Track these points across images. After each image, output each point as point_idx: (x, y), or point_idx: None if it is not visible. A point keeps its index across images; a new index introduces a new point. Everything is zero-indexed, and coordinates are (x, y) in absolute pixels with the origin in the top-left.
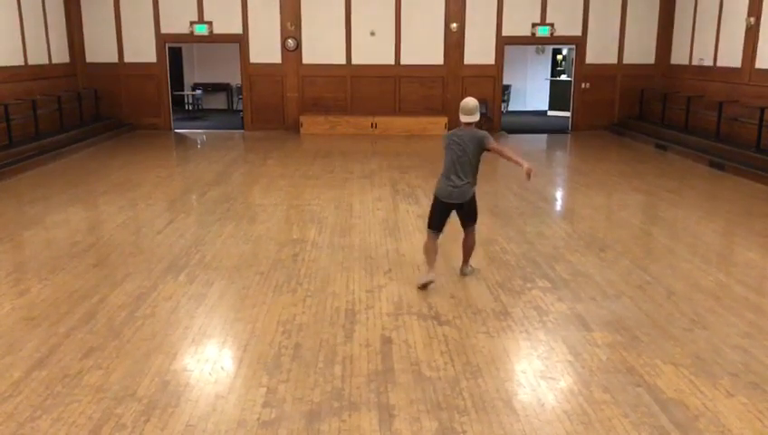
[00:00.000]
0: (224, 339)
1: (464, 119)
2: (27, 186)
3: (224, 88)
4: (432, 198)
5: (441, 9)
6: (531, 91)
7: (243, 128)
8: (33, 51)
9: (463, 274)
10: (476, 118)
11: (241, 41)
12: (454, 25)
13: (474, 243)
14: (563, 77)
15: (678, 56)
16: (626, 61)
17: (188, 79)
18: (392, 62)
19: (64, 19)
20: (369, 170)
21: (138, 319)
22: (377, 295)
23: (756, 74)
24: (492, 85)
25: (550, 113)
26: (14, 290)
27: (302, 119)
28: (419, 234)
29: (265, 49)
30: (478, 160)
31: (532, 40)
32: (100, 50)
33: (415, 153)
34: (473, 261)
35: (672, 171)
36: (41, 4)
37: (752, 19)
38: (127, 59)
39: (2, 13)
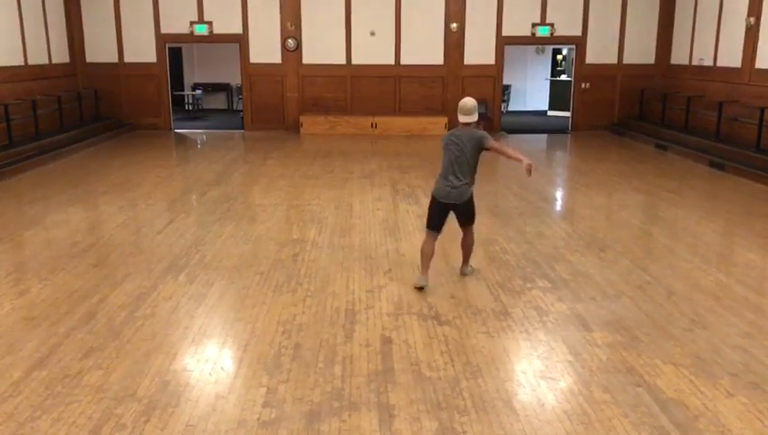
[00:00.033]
0: (224, 339)
1: (462, 119)
2: (27, 186)
3: (224, 88)
4: (430, 197)
5: (441, 9)
6: (531, 91)
7: (243, 128)
8: (33, 51)
9: (463, 274)
10: (474, 118)
11: (241, 41)
12: (454, 25)
13: (472, 242)
14: (563, 77)
15: (678, 56)
16: (626, 61)
17: (188, 79)
18: (392, 62)
19: (64, 19)
20: (369, 170)
21: (138, 319)
22: (377, 295)
23: (756, 74)
24: (492, 85)
25: (550, 113)
26: (14, 290)
27: (302, 119)
28: (419, 234)
29: (265, 49)
30: (476, 161)
31: (532, 40)
32: (100, 50)
33: (415, 153)
34: (473, 261)
35: (672, 171)
36: (41, 4)
37: (752, 19)
38: (127, 59)
39: (2, 13)
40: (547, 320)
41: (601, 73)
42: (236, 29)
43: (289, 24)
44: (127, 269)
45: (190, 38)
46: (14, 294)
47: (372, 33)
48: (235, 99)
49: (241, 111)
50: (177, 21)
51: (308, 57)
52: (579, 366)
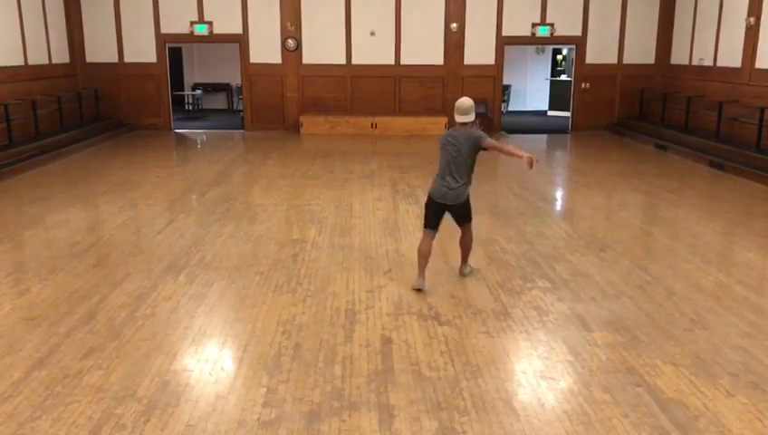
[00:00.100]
0: (224, 339)
1: (458, 119)
2: (27, 186)
3: (224, 88)
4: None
5: (441, 9)
6: (531, 91)
7: (243, 128)
8: (33, 51)
9: (462, 274)
10: (471, 118)
11: (241, 41)
12: (454, 25)
13: (471, 240)
14: (563, 77)
15: (678, 56)
16: (626, 61)
17: (188, 79)
18: (392, 62)
19: (64, 19)
20: (369, 170)
21: (138, 319)
22: (377, 295)
23: (756, 74)
24: (492, 85)
25: (550, 113)
26: (14, 290)
27: (302, 119)
28: (419, 234)
29: (265, 49)
30: (473, 161)
31: (532, 40)
32: (100, 50)
33: (415, 153)
34: (473, 261)
35: (672, 171)
36: (41, 4)
37: (752, 19)
38: (127, 59)
39: (2, 13)
40: (547, 320)
41: (601, 73)
42: (236, 29)
43: (289, 24)
44: (127, 269)
45: (190, 38)
46: (14, 294)
47: (372, 34)
48: (235, 99)
49: (241, 111)
50: (177, 21)
51: (308, 57)
52: (579, 366)
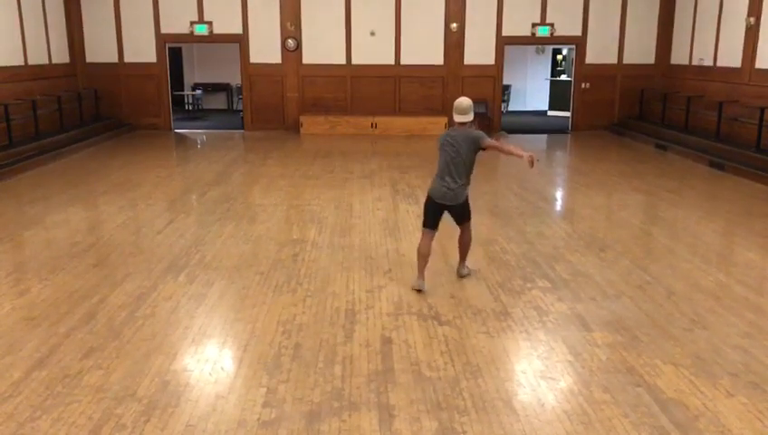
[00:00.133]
0: (224, 339)
1: (457, 118)
2: (27, 186)
3: (224, 88)
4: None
5: (441, 9)
6: (531, 91)
7: (243, 128)
8: (33, 51)
9: (460, 275)
10: (470, 117)
11: (241, 41)
12: (454, 25)
13: (470, 240)
14: (563, 77)
15: (678, 56)
16: (626, 61)
17: (188, 79)
18: (392, 62)
19: (64, 19)
20: (369, 170)
21: (138, 319)
22: (377, 295)
23: (756, 74)
24: (492, 85)
25: (550, 113)
26: (14, 290)
27: (302, 119)
28: (419, 234)
29: (265, 49)
30: (472, 161)
31: (532, 40)
32: (100, 50)
33: (415, 153)
34: (473, 261)
35: (672, 171)
36: (41, 4)
37: (752, 19)
38: (127, 59)
39: (2, 13)
40: (547, 320)
41: (601, 73)
42: (236, 29)
43: (289, 24)
44: (127, 269)
45: (190, 38)
46: (14, 294)
47: (372, 34)
48: (235, 99)
49: (241, 111)
50: (177, 21)
51: (308, 57)
52: (579, 366)
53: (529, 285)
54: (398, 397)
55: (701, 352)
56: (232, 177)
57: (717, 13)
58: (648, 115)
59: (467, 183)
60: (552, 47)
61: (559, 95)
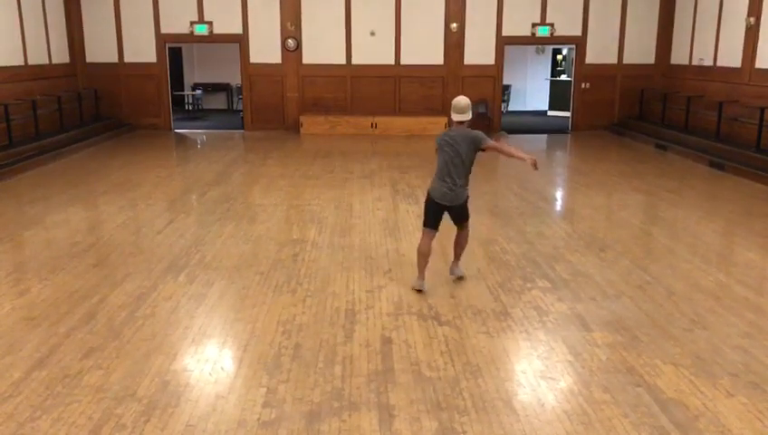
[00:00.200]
0: (224, 339)
1: (455, 117)
2: (27, 186)
3: (224, 88)
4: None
5: (441, 9)
6: (531, 91)
7: (243, 128)
8: (33, 51)
9: (452, 274)
10: (468, 116)
11: (241, 41)
12: (454, 25)
13: (467, 239)
14: (563, 77)
15: (678, 56)
16: (626, 61)
17: (188, 79)
18: (392, 62)
19: (64, 19)
20: (369, 170)
21: (138, 319)
22: (377, 295)
23: (756, 74)
24: (492, 85)
25: (550, 113)
26: (14, 290)
27: (302, 119)
28: (419, 234)
29: (265, 49)
30: (472, 161)
31: (532, 40)
32: (100, 50)
33: (415, 153)
34: (473, 261)
35: (672, 171)
36: (41, 4)
37: (752, 19)
38: (127, 59)
39: (2, 13)
40: (547, 320)
41: (601, 73)
42: (236, 29)
43: (289, 24)
44: (127, 269)
45: (190, 38)
46: (14, 294)
47: (372, 34)
48: (235, 99)
49: (241, 111)
50: (177, 21)
51: (308, 57)
52: (579, 366)
53: (529, 285)
54: (398, 397)
55: (701, 352)
56: (232, 177)
57: (717, 13)
58: (647, 115)
59: (467, 183)
60: (552, 47)
61: (559, 95)
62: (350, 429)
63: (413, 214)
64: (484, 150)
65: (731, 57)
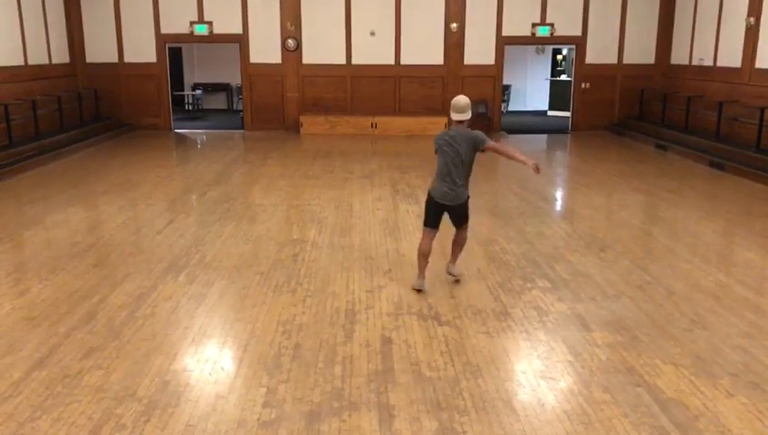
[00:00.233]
0: (224, 339)
1: (455, 117)
2: (27, 186)
3: (224, 88)
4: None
5: (441, 9)
6: (531, 91)
7: (243, 128)
8: (33, 51)
9: (448, 272)
10: (468, 116)
11: (241, 41)
12: (454, 25)
13: (465, 241)
14: (563, 77)
15: (678, 56)
16: (626, 61)
17: (188, 79)
18: (392, 62)
19: (64, 19)
20: (369, 170)
21: (138, 319)
22: (377, 295)
23: (756, 74)
24: (492, 85)
25: (550, 113)
26: (14, 290)
27: (302, 119)
28: (419, 234)
29: (265, 49)
30: (472, 161)
31: (532, 40)
32: (100, 50)
33: (415, 153)
34: (473, 261)
35: (672, 171)
36: (41, 4)
37: (752, 19)
38: (127, 59)
39: (2, 13)
40: (547, 320)
41: (601, 73)
42: (236, 29)
43: (289, 24)
44: (127, 269)
45: (190, 38)
46: (14, 294)
47: (372, 34)
48: (235, 99)
49: (241, 111)
50: (177, 21)
51: (308, 57)
52: (579, 366)
53: (529, 285)
54: (398, 397)
55: (701, 352)
56: (232, 177)
57: (717, 13)
58: (647, 115)
59: (467, 184)
60: (552, 47)
61: (559, 95)
62: (350, 429)
63: (413, 214)
64: (483, 151)
65: (731, 57)
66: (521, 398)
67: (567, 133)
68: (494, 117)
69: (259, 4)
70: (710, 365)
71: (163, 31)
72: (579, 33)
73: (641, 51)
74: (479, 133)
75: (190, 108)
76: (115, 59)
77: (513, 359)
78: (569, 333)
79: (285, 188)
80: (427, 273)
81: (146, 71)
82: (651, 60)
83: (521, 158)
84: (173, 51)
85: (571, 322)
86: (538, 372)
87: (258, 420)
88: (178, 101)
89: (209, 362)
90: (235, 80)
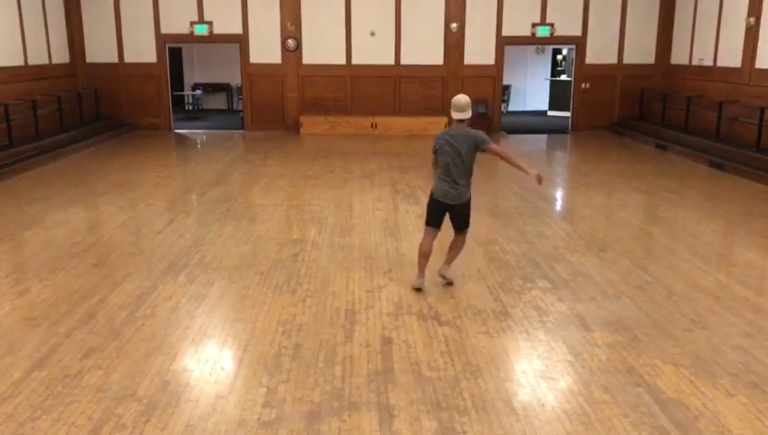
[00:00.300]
0: (224, 339)
1: (455, 115)
2: (27, 186)
3: (224, 88)
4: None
5: (441, 9)
6: (531, 91)
7: (243, 128)
8: (33, 51)
9: (441, 274)
10: (468, 114)
11: (241, 41)
12: (454, 25)
13: (463, 245)
14: (563, 77)
15: (678, 56)
16: (626, 61)
17: (188, 79)
18: (392, 62)
19: (64, 19)
20: (369, 170)
21: (138, 319)
22: (377, 295)
23: (756, 74)
24: (492, 85)
25: (550, 113)
26: (14, 290)
27: (302, 119)
28: (419, 234)
29: (265, 49)
30: (473, 161)
31: (532, 40)
32: (100, 50)
33: (415, 153)
34: (473, 261)
35: (672, 171)
36: (41, 4)
37: (752, 19)
38: (127, 59)
39: (2, 13)
40: (547, 320)
41: (601, 73)
42: (236, 29)
43: (289, 24)
44: (127, 269)
45: (190, 38)
46: (14, 294)
47: (372, 34)
48: (235, 99)
49: (241, 111)
50: (177, 21)
51: (308, 57)
52: (579, 366)
53: (529, 285)
54: (398, 397)
55: (701, 352)
56: (232, 177)
57: (717, 13)
58: (647, 115)
59: (469, 183)
60: (552, 47)
61: (559, 95)
62: (350, 429)
63: (413, 214)
64: (484, 151)
65: (731, 57)
66: (521, 398)
67: (567, 133)
68: (494, 117)
69: (259, 5)
70: (710, 365)
71: (163, 31)
72: (579, 33)
73: (641, 51)
74: (480, 133)
75: (190, 108)
76: (115, 59)
77: (513, 359)
78: (569, 333)
79: (285, 188)
80: (427, 272)
81: (146, 71)
82: (651, 60)
83: (524, 167)
84: (173, 51)
85: (571, 322)
86: (538, 372)
87: (258, 420)
88: (178, 102)
89: (209, 362)
90: (235, 80)
